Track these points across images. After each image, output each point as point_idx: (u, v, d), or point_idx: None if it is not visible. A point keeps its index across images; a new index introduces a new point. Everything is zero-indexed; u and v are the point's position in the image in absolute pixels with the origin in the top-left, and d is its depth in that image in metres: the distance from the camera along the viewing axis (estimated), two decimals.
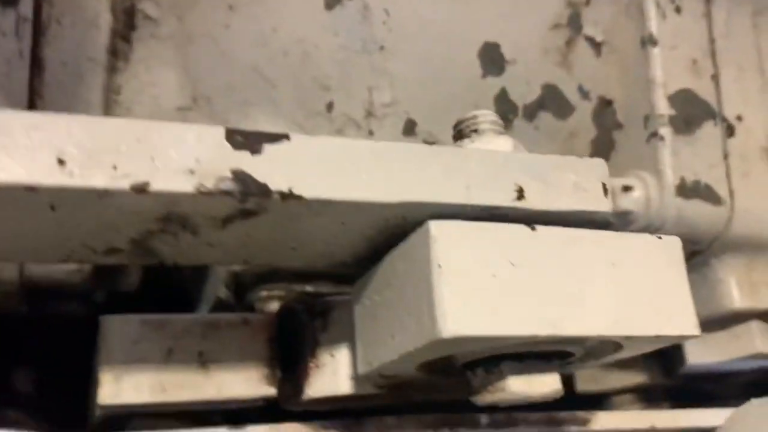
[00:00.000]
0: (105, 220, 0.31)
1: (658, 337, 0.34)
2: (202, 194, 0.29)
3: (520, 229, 0.33)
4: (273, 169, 0.31)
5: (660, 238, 0.36)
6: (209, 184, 0.29)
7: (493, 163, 0.35)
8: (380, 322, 0.35)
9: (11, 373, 0.72)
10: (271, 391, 0.43)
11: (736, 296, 0.58)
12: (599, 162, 0.37)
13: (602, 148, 0.58)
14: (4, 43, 0.46)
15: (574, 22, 0.57)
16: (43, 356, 0.72)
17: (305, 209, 0.32)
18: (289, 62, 0.51)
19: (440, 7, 0.53)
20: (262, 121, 0.52)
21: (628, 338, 0.34)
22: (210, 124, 0.51)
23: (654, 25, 0.56)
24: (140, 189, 0.28)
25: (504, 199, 0.34)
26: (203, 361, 0.42)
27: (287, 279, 0.50)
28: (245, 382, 0.43)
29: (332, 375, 0.42)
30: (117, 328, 0.42)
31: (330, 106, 0.52)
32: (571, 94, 0.58)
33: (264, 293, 0.50)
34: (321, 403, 0.44)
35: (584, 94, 0.58)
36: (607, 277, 0.34)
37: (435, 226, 0.31)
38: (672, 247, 0.36)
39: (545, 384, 0.34)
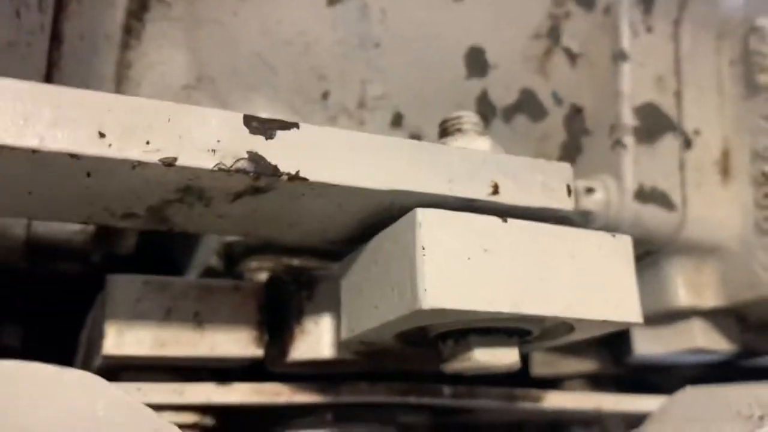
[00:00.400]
0: (130, 187, 0.35)
1: (605, 322, 0.40)
2: (221, 171, 0.34)
3: (494, 220, 0.38)
4: (283, 153, 0.35)
5: (614, 236, 0.41)
6: (228, 163, 0.34)
7: (473, 161, 0.39)
8: (365, 294, 0.40)
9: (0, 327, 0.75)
10: (258, 352, 0.48)
11: (682, 295, 0.63)
12: (565, 166, 0.42)
13: (570, 151, 0.64)
14: (27, 16, 0.49)
15: (554, 34, 0.62)
16: (31, 312, 0.75)
17: (308, 190, 0.36)
18: (290, 52, 0.55)
19: (433, 11, 0.57)
20: (261, 104, 0.56)
21: (579, 321, 0.39)
22: (212, 103, 0.56)
23: (626, 42, 0.61)
24: (169, 163, 0.33)
25: (481, 193, 0.39)
26: (199, 321, 0.46)
27: (276, 252, 0.55)
28: (236, 342, 0.47)
29: (315, 341, 0.47)
30: (121, 286, 0.46)
31: (326, 95, 0.57)
32: (546, 100, 0.63)
33: (254, 264, 0.55)
34: (303, 366, 0.48)
35: (558, 101, 0.63)
36: (565, 267, 0.39)
37: (421, 213, 0.36)
38: (624, 245, 0.41)
39: (506, 356, 0.39)
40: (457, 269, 0.35)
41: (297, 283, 0.48)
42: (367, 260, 0.40)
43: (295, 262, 0.55)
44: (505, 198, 0.39)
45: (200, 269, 0.60)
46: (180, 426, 0.33)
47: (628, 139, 0.60)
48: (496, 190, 0.39)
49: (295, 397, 0.50)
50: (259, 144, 0.35)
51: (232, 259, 0.57)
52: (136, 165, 0.32)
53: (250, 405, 0.49)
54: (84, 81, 0.52)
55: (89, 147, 0.31)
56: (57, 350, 0.69)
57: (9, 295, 0.70)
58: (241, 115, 0.35)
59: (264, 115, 0.54)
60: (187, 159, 0.33)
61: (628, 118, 0.60)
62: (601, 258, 0.40)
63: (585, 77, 0.63)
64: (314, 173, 0.35)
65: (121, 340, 0.45)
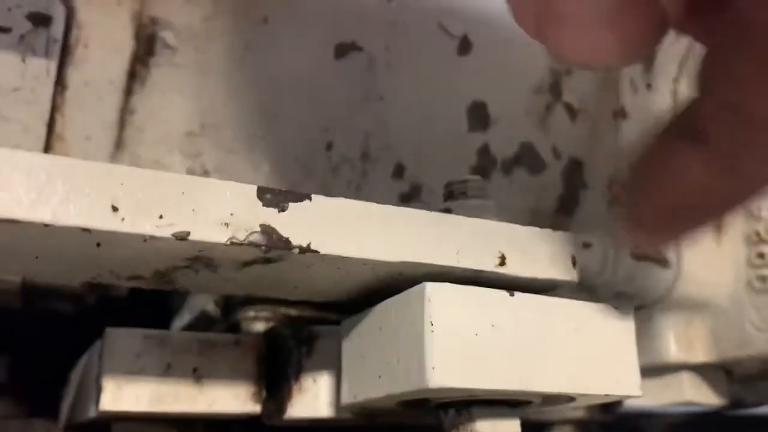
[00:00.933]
0: (139, 255, 0.35)
1: (606, 395, 0.40)
2: (234, 244, 0.33)
3: (501, 294, 0.38)
4: (295, 225, 0.35)
5: (616, 308, 0.41)
6: (240, 237, 0.33)
7: (481, 231, 0.39)
8: (368, 361, 0.40)
9: None
10: (256, 408, 0.47)
11: (672, 350, 0.64)
12: (570, 236, 0.42)
13: (568, 204, 0.64)
14: (33, 61, 0.49)
15: (555, 89, 0.62)
16: (21, 346, 0.74)
17: (318, 261, 0.36)
18: (296, 102, 0.55)
19: (437, 66, 0.58)
20: (265, 154, 0.56)
21: (582, 395, 0.39)
22: (216, 151, 0.55)
23: (626, 99, 0.62)
24: (182, 237, 0.32)
25: (488, 264, 0.39)
26: (198, 376, 0.46)
27: (274, 302, 0.54)
28: (234, 398, 0.46)
29: (313, 399, 0.46)
30: (121, 340, 0.45)
31: (329, 146, 0.57)
32: (546, 153, 0.63)
33: (251, 313, 0.54)
34: (300, 423, 0.48)
35: (557, 154, 0.63)
36: (569, 341, 0.39)
37: (430, 288, 0.36)
38: (626, 317, 0.41)
39: (509, 428, 0.39)
40: (465, 346, 0.35)
41: (296, 338, 0.48)
42: (372, 326, 0.40)
43: (293, 312, 0.55)
44: (511, 269, 0.39)
45: (194, 314, 0.60)
46: None
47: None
48: (503, 261, 0.39)
49: None
50: (271, 216, 0.34)
51: (229, 307, 0.56)
52: (148, 239, 0.32)
53: None
54: (86, 127, 0.51)
55: (102, 222, 0.31)
56: (45, 384, 0.69)
57: None
58: (255, 188, 0.34)
59: (266, 167, 0.55)
60: (200, 233, 0.33)
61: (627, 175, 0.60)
62: (604, 331, 0.40)
63: (585, 132, 0.63)
64: (325, 246, 0.35)
65: (119, 395, 0.44)
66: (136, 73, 0.54)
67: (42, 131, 0.50)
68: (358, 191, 0.59)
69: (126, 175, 0.32)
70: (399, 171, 0.59)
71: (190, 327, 0.60)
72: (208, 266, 0.36)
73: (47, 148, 0.50)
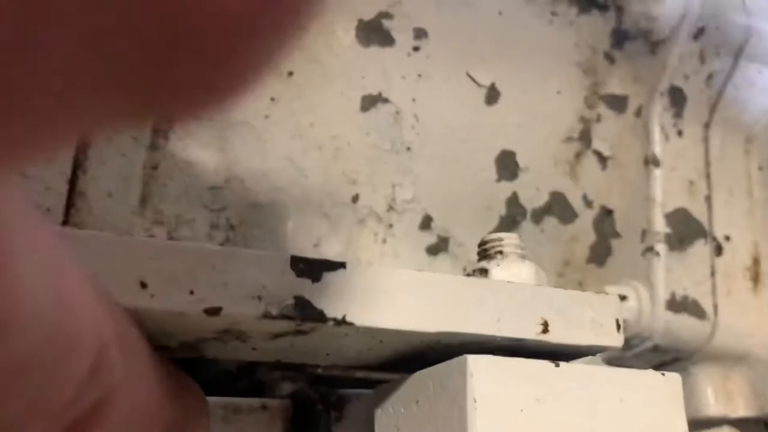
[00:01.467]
0: (169, 329, 0.33)
1: None
2: (266, 318, 0.32)
3: (546, 365, 0.36)
4: (329, 296, 0.33)
5: (663, 375, 0.39)
6: (273, 310, 0.32)
7: (522, 296, 0.38)
8: None
9: None
10: None
11: (711, 404, 0.61)
12: (614, 299, 0.40)
13: (600, 253, 0.62)
14: None
15: (585, 137, 0.61)
16: None
17: (353, 331, 0.34)
18: (321, 155, 0.54)
19: (466, 114, 0.56)
20: (290, 207, 0.54)
21: None
22: (240, 203, 0.54)
23: (657, 147, 0.60)
24: (213, 312, 0.31)
25: (530, 332, 0.37)
26: None
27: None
28: None
29: None
30: None
31: (355, 198, 0.55)
32: (576, 202, 0.61)
33: (277, 373, 0.52)
34: None
35: (588, 203, 0.62)
36: (616, 412, 0.36)
37: (473, 361, 0.34)
38: (673, 383, 0.39)
39: None
40: (510, 423, 0.33)
41: (325, 402, 0.46)
42: (407, 397, 0.38)
43: (320, 371, 0.53)
44: (554, 337, 0.37)
45: (217, 371, 0.58)
46: None
47: (661, 247, 0.58)
48: (546, 329, 0.37)
49: None
50: (305, 287, 0.33)
51: (254, 365, 0.54)
52: (178, 315, 0.31)
53: None
54: (108, 183, 0.50)
55: (130, 298, 0.30)
56: None
57: None
58: (289, 257, 0.33)
59: (291, 222, 0.54)
60: (231, 308, 0.31)
61: (661, 225, 0.59)
62: (651, 400, 0.38)
63: (615, 180, 0.62)
64: (361, 317, 0.33)
65: None
66: (159, 128, 0.53)
67: (63, 189, 0.49)
68: (384, 244, 0.57)
69: (156, 249, 0.31)
70: (426, 223, 0.57)
71: (209, 384, 0.58)
72: (238, 338, 0.35)
73: (68, 206, 0.49)
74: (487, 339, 0.36)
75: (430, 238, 0.58)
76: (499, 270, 0.41)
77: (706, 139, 0.63)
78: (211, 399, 0.46)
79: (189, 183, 0.54)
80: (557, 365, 0.36)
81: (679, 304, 0.58)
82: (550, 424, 0.34)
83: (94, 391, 0.25)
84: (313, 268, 0.33)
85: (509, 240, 0.43)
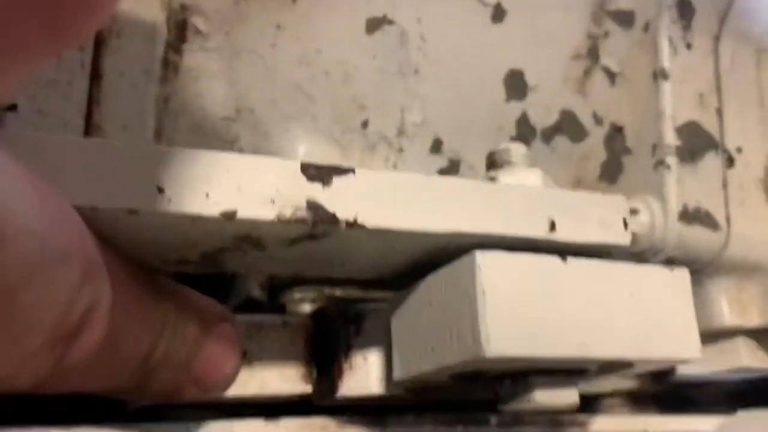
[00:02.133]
0: (188, 238, 0.34)
1: (666, 359, 0.39)
2: (281, 221, 0.33)
3: (553, 260, 0.37)
4: (341, 199, 0.34)
5: (672, 270, 0.40)
6: (287, 213, 0.33)
7: (529, 198, 0.39)
8: (419, 335, 0.39)
9: None
10: (307, 388, 0.47)
11: (726, 314, 0.62)
12: (620, 199, 0.41)
13: (612, 171, 0.62)
14: (68, 54, 0.49)
15: (593, 53, 0.61)
16: None
17: (364, 235, 0.36)
18: (329, 81, 0.55)
19: (472, 34, 0.57)
20: (301, 135, 0.56)
21: (641, 360, 0.38)
22: (252, 135, 0.55)
23: (666, 60, 0.60)
24: (229, 216, 0.32)
25: (538, 231, 0.38)
26: (248, 359, 0.46)
27: (319, 282, 0.54)
28: (285, 380, 0.46)
29: (365, 377, 0.46)
30: None
31: (365, 124, 0.56)
32: (586, 120, 0.62)
33: (297, 295, 0.54)
34: (352, 401, 0.48)
35: (598, 120, 0.62)
36: (626, 306, 0.38)
37: (480, 256, 0.35)
38: (682, 279, 0.40)
39: (567, 397, 0.38)
40: (520, 314, 0.35)
41: (344, 317, 0.48)
42: (421, 300, 0.40)
43: (338, 292, 0.55)
44: (561, 235, 0.38)
45: (240, 298, 0.60)
46: None
47: (672, 160, 0.58)
48: (553, 228, 0.38)
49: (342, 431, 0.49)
50: (317, 191, 0.34)
51: (275, 289, 0.56)
52: (196, 219, 0.32)
53: None
54: (123, 116, 0.52)
55: (148, 203, 0.31)
56: None
57: None
58: (299, 163, 0.34)
59: (303, 148, 0.55)
60: (247, 211, 0.32)
61: (671, 138, 0.59)
62: (661, 294, 0.39)
63: (625, 96, 0.62)
64: (372, 219, 0.35)
65: None
66: (169, 60, 0.54)
67: (80, 123, 0.50)
68: (395, 169, 0.58)
69: (170, 155, 0.32)
70: (437, 146, 0.58)
71: (237, 312, 0.60)
72: (255, 246, 0.36)
73: None
74: (496, 239, 0.37)
75: (441, 162, 0.59)
76: (507, 178, 0.42)
77: (715, 52, 0.62)
78: (235, 316, 0.48)
79: (201, 116, 0.55)
80: (564, 260, 0.37)
81: (691, 216, 0.58)
82: (559, 316, 0.36)
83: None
84: (324, 173, 0.35)
85: (517, 150, 0.44)
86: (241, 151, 0.55)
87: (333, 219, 0.34)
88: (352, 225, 0.34)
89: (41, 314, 0.24)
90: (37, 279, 0.23)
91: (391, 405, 0.52)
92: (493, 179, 0.43)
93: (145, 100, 0.52)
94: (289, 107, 0.55)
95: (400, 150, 0.57)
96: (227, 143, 0.55)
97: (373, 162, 0.57)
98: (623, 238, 0.40)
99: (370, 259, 0.40)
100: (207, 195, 0.32)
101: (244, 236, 0.35)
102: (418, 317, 0.40)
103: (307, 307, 0.54)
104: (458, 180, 0.38)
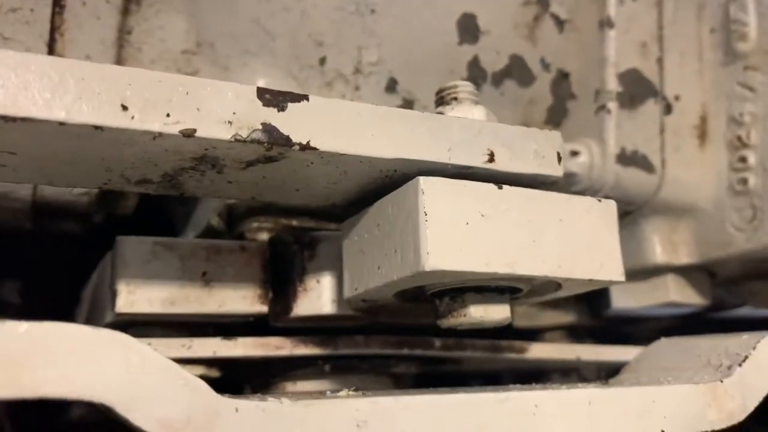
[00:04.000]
0: (148, 156, 0.37)
1: (591, 281, 0.42)
2: (237, 141, 0.35)
3: (490, 187, 0.40)
4: (295, 124, 0.37)
5: (600, 201, 0.44)
6: (243, 134, 0.36)
7: (471, 130, 0.42)
8: (368, 255, 0.42)
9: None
10: (263, 308, 0.50)
11: (658, 252, 0.67)
12: (555, 134, 0.44)
13: (557, 115, 0.66)
14: None
15: (543, 1, 0.63)
16: (31, 269, 0.76)
17: (317, 159, 0.38)
18: (288, 18, 0.56)
19: None
20: (260, 70, 0.57)
21: (567, 280, 0.42)
22: (212, 68, 0.57)
23: (612, 9, 0.63)
24: (188, 134, 0.34)
25: (477, 161, 0.41)
26: (207, 279, 0.49)
27: (276, 213, 0.57)
28: (242, 299, 0.49)
29: (317, 298, 0.49)
30: (131, 248, 0.48)
31: (322, 61, 0.58)
32: (534, 65, 0.64)
33: (254, 224, 0.56)
34: (305, 321, 0.51)
35: (545, 66, 0.65)
36: (555, 230, 0.41)
37: (423, 181, 0.38)
38: (608, 209, 0.44)
39: (499, 312, 0.42)
40: (457, 233, 0.38)
41: (299, 243, 0.51)
42: (370, 224, 0.43)
43: (294, 222, 0.57)
44: (499, 165, 0.41)
45: (200, 229, 0.62)
46: None
47: (612, 105, 0.62)
48: (491, 158, 0.41)
49: (295, 350, 0.52)
50: (272, 115, 0.36)
51: (233, 219, 0.58)
52: (157, 136, 0.34)
53: (253, 358, 0.52)
54: (86, 46, 0.53)
55: (113, 119, 0.33)
56: (57, 305, 0.71)
57: (9, 253, 0.71)
58: (255, 88, 0.36)
59: (262, 82, 0.57)
60: (205, 130, 0.35)
61: (613, 84, 0.62)
62: (588, 221, 0.43)
63: (572, 43, 0.65)
64: (324, 143, 0.37)
65: (133, 298, 0.47)
66: None
67: (43, 51, 0.51)
68: None
69: (134, 76, 0.34)
70: (391, 85, 0.61)
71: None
72: (213, 167, 0.38)
73: None
74: (440, 167, 0.40)
75: (395, 101, 0.61)
76: (453, 113, 0.45)
77: (659, 4, 0.65)
78: (195, 241, 0.51)
79: (162, 48, 0.56)
80: (500, 187, 0.40)
81: (628, 158, 0.62)
82: (494, 236, 0.39)
83: None
84: (279, 99, 0.37)
85: (463, 87, 0.47)
86: None
87: (287, 141, 0.37)
88: (305, 148, 0.37)
89: None
90: None
91: (343, 327, 0.55)
92: (440, 114, 0.45)
93: (107, 30, 0.54)
94: (249, 42, 0.57)
95: (357, 88, 0.59)
96: (187, 75, 0.57)
97: (330, 98, 0.60)
98: (556, 170, 0.43)
99: (323, 184, 0.42)
100: (168, 114, 0.34)
101: (202, 156, 0.37)
102: (367, 240, 0.43)
103: (264, 236, 0.56)
104: (406, 111, 0.40)
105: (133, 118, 0.33)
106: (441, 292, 0.43)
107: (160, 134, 0.34)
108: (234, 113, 0.36)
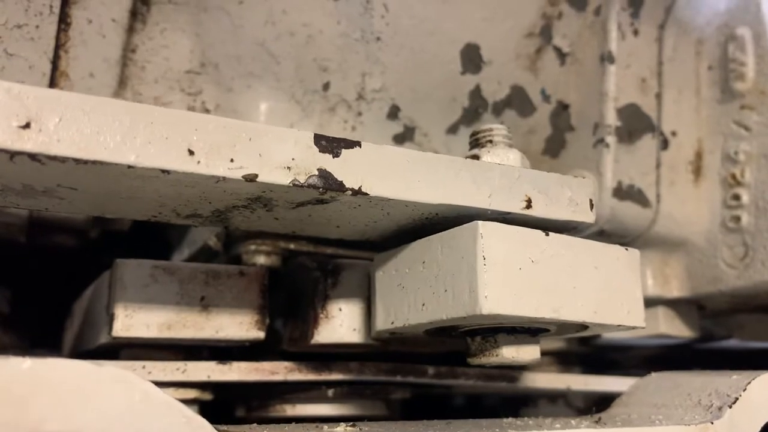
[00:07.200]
0: (206, 195, 0.39)
1: (619, 326, 0.47)
2: (295, 186, 0.38)
3: (538, 233, 0.44)
4: (348, 169, 0.39)
5: (627, 250, 0.48)
6: (301, 179, 0.38)
7: (510, 177, 0.45)
8: (409, 291, 0.45)
9: None
10: (260, 335, 0.52)
11: (649, 285, 0.72)
12: (588, 182, 0.48)
13: (555, 146, 0.70)
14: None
15: (546, 33, 0.68)
16: (23, 280, 0.76)
17: (366, 202, 0.41)
18: (294, 42, 0.59)
19: (433, 6, 0.62)
20: (263, 93, 0.60)
21: (599, 325, 0.46)
22: (215, 89, 0.59)
23: (614, 45, 0.68)
24: (251, 179, 0.37)
25: (516, 207, 0.45)
26: (205, 305, 0.50)
27: (274, 236, 0.59)
28: (239, 325, 0.51)
29: (339, 326, 0.52)
30: (131, 270, 0.49)
31: (326, 86, 0.61)
32: (535, 96, 0.69)
33: (252, 247, 0.58)
34: (324, 348, 0.53)
35: (546, 97, 0.69)
36: (591, 276, 0.45)
37: (482, 226, 0.41)
38: (633, 257, 0.48)
39: (530, 353, 0.46)
40: (511, 278, 0.41)
41: (322, 270, 0.53)
42: (413, 260, 0.45)
43: (292, 246, 0.59)
44: (536, 212, 0.45)
45: (195, 248, 0.63)
46: (181, 402, 0.37)
47: (611, 139, 0.67)
48: (529, 204, 0.45)
49: (290, 376, 0.55)
50: (327, 161, 0.39)
51: (231, 241, 0.60)
52: (221, 180, 0.36)
53: (247, 382, 0.54)
54: (89, 64, 0.54)
55: (180, 164, 0.35)
56: (47, 316, 0.72)
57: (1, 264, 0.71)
58: (312, 134, 0.39)
59: (265, 105, 0.59)
60: (266, 176, 0.37)
61: (612, 119, 0.67)
62: (617, 269, 0.47)
63: (573, 76, 0.69)
64: (374, 188, 0.40)
65: (130, 323, 0.49)
66: (137, 11, 0.56)
67: (47, 68, 0.52)
68: (353, 131, 0.63)
69: (199, 121, 0.36)
70: (394, 112, 0.64)
71: (191, 260, 0.64)
72: (265, 206, 0.41)
73: (52, 85, 0.53)
74: (480, 212, 0.44)
75: (397, 127, 0.64)
76: (489, 156, 0.48)
77: (660, 40, 0.71)
78: (194, 265, 0.52)
79: (166, 67, 0.58)
80: (547, 234, 0.44)
81: (624, 192, 0.67)
82: (542, 282, 0.43)
83: None
84: (334, 145, 0.39)
85: (498, 130, 0.50)
86: (203, 104, 0.59)
87: (341, 186, 0.39)
88: (357, 193, 0.40)
89: None
90: None
91: (354, 354, 0.57)
92: (476, 157, 0.48)
93: (112, 48, 0.55)
94: (253, 65, 0.59)
95: (359, 114, 0.62)
96: (190, 96, 0.59)
97: (333, 123, 0.62)
98: (589, 217, 0.47)
99: (364, 222, 0.45)
100: (232, 160, 0.36)
101: (258, 197, 0.39)
102: (408, 275, 0.45)
103: (261, 259, 0.58)
104: (450, 158, 0.43)
105: (199, 162, 0.35)
106: (473, 330, 0.46)
107: (224, 178, 0.36)
108: (293, 159, 0.38)
